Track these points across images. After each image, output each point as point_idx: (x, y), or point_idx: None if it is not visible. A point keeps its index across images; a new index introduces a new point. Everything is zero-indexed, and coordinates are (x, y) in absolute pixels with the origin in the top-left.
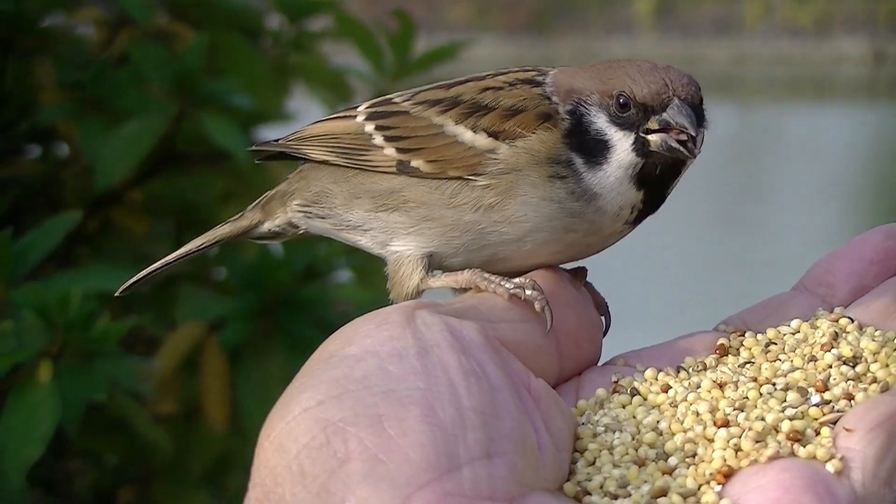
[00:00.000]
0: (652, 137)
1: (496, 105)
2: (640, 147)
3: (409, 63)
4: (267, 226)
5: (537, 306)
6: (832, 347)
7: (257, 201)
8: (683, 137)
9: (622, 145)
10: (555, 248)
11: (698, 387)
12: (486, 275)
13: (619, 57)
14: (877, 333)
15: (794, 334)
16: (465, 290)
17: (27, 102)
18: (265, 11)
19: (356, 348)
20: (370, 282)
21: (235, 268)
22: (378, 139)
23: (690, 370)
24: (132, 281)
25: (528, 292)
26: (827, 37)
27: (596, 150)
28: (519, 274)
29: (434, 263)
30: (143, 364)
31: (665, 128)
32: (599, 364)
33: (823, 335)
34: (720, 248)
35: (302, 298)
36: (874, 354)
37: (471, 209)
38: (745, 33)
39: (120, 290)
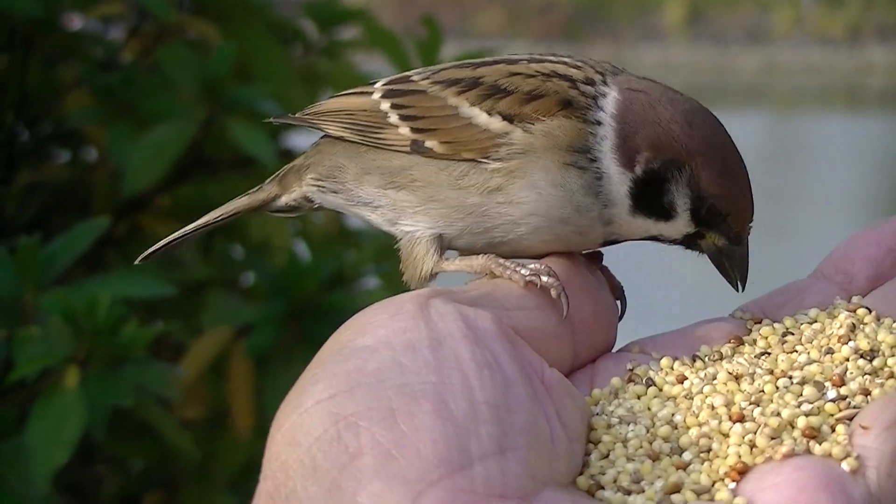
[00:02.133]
0: (707, 241)
1: (516, 89)
2: (692, 238)
3: None
4: (284, 199)
5: (553, 293)
6: (849, 340)
7: (275, 175)
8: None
9: (678, 228)
10: (544, 236)
11: (714, 378)
12: (502, 261)
13: (651, 64)
14: (895, 325)
15: (811, 324)
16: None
17: (51, 105)
18: (296, 18)
19: (370, 339)
20: (398, 289)
21: (264, 274)
22: (393, 118)
23: (706, 359)
24: (150, 251)
25: (545, 279)
26: (857, 46)
27: (652, 210)
28: (533, 259)
29: (444, 244)
30: (170, 370)
31: (726, 249)
32: (614, 350)
33: (841, 326)
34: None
35: (329, 305)
36: (892, 348)
37: (477, 191)
38: (775, 42)
39: (140, 258)
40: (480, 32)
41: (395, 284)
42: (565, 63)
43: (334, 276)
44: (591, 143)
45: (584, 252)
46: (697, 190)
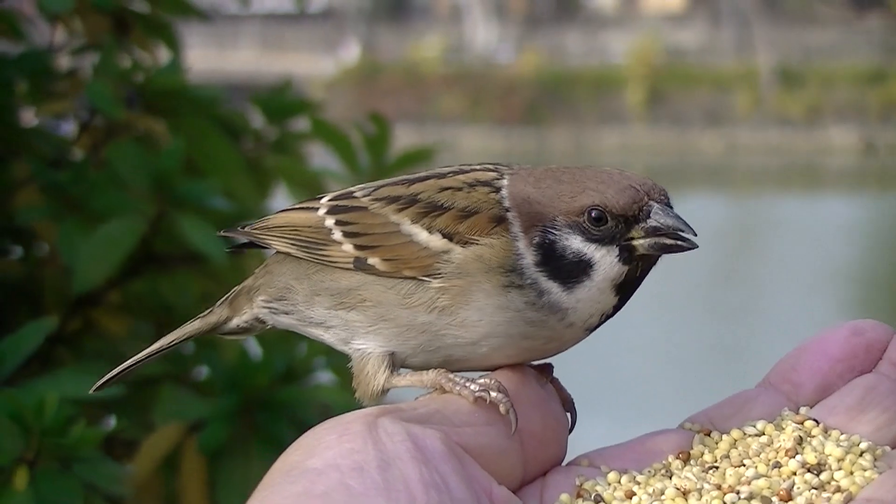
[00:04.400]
0: (638, 243)
1: (452, 205)
2: (627, 256)
3: (384, 164)
4: (235, 322)
5: (502, 409)
6: (797, 453)
7: (225, 297)
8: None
9: (607, 260)
10: (510, 352)
11: (662, 494)
12: (451, 376)
13: (611, 147)
14: (842, 438)
15: (758, 437)
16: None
17: (2, 201)
18: (247, 111)
19: (318, 461)
20: (350, 382)
21: (216, 369)
22: (337, 234)
23: (654, 474)
24: (105, 379)
25: (493, 394)
26: (817, 126)
27: (576, 270)
28: (481, 371)
29: (397, 362)
30: (121, 468)
31: (653, 233)
32: (564, 463)
33: (788, 439)
34: (710, 336)
35: (281, 400)
36: (838, 461)
37: (425, 310)
38: (735, 123)
39: (93, 388)
40: (441, 116)
41: (347, 377)
42: (485, 169)
43: (286, 370)
44: (514, 252)
45: (534, 364)
46: (574, 223)
